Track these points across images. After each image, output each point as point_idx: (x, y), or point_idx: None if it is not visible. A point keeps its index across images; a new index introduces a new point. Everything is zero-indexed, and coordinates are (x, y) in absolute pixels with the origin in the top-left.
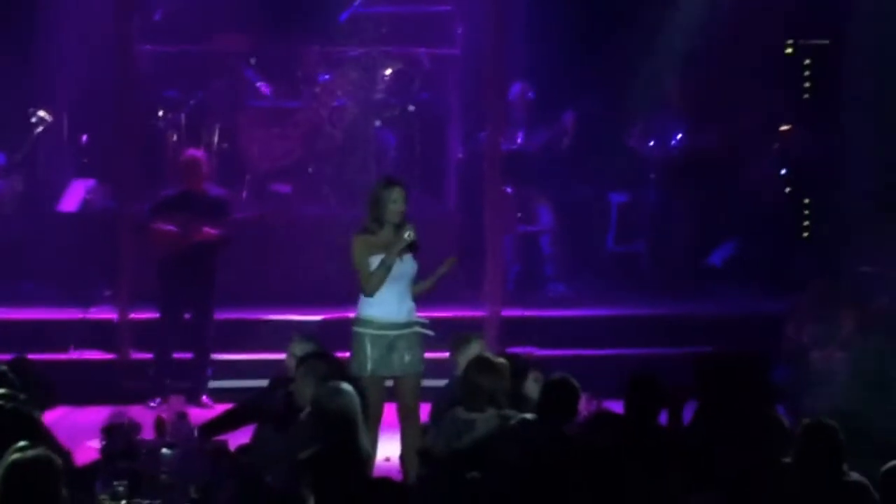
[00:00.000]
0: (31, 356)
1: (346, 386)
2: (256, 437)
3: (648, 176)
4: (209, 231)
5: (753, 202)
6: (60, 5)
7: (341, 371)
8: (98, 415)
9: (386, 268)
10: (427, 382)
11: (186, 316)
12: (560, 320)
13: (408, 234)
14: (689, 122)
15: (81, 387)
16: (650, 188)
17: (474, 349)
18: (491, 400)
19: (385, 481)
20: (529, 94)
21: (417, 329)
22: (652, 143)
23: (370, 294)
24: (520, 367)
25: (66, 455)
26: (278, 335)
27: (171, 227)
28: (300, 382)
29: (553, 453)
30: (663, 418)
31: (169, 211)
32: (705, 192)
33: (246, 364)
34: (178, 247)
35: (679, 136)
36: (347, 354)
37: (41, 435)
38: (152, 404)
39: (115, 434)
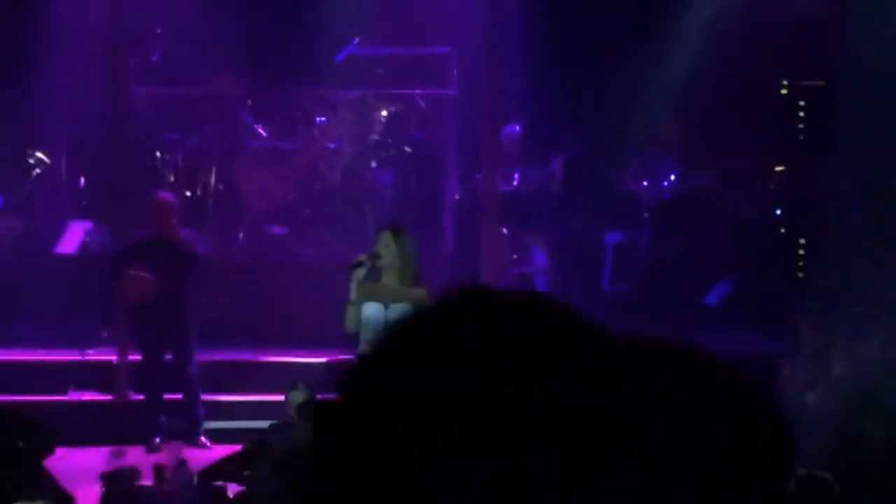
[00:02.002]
0: (29, 398)
1: None
2: (253, 482)
3: (643, 216)
4: (190, 241)
5: (748, 243)
6: (58, 48)
7: None
8: (97, 456)
9: (352, 305)
10: None
11: (168, 356)
12: None
13: (363, 255)
14: (684, 162)
15: (80, 428)
16: (645, 228)
17: None
18: None
19: None
20: (520, 133)
21: None
22: (645, 184)
23: (348, 331)
24: None
25: (69, 501)
26: (277, 377)
27: (145, 275)
28: (301, 429)
29: None
30: None
31: (142, 255)
32: (700, 232)
33: (245, 405)
34: (152, 293)
35: (672, 177)
36: None
37: (43, 482)
38: (157, 441)
39: (115, 481)
